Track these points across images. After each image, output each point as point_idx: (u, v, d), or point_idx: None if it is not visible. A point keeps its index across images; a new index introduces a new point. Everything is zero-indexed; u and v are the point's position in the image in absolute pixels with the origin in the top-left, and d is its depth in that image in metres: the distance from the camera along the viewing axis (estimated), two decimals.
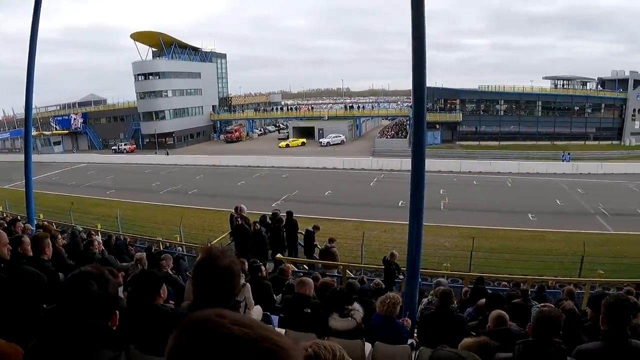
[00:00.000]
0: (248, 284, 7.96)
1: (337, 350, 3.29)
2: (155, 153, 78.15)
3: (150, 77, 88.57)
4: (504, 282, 17.40)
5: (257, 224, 17.62)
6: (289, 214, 20.08)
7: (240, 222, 17.24)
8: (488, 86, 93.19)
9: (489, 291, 11.16)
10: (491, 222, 33.95)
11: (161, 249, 20.01)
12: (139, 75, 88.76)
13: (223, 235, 19.72)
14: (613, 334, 4.14)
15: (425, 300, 9.70)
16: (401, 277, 14.56)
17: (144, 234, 25.86)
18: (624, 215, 37.91)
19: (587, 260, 23.49)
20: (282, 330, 7.13)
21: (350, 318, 7.40)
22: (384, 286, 11.60)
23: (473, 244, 23.75)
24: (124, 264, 11.45)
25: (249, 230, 17.40)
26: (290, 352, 1.24)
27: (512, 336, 4.85)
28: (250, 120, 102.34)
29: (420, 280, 13.67)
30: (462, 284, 16.42)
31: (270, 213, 20.23)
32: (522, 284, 14.66)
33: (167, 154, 76.63)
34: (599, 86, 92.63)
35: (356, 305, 7.72)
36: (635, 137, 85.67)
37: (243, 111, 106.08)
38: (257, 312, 7.74)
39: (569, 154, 71.88)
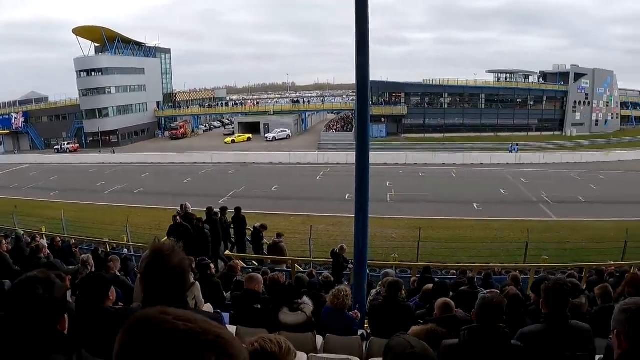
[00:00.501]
0: (197, 283, 7.92)
1: (283, 342, 3.34)
2: (100, 152, 76.40)
3: (93, 73, 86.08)
4: (452, 271, 17.67)
5: (200, 222, 17.37)
6: (237, 210, 20.02)
7: (179, 221, 16.97)
8: (432, 80, 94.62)
9: (436, 280, 11.34)
10: (437, 213, 34.33)
11: (108, 250, 19.70)
12: (81, 71, 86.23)
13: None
14: (553, 316, 4.27)
15: (374, 291, 9.78)
16: (350, 266, 14.64)
17: (91, 236, 25.38)
18: (566, 202, 38.90)
19: (531, 246, 23.99)
20: (233, 328, 7.15)
21: (300, 312, 7.42)
22: (332, 279, 11.65)
23: (420, 235, 23.96)
24: (70, 267, 11.25)
25: (189, 228, 17.13)
26: (232, 343, 1.31)
27: (458, 323, 4.96)
28: (196, 117, 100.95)
29: (368, 271, 13.82)
30: (411, 274, 16.61)
31: (219, 209, 20.13)
32: (468, 272, 14.95)
33: (114, 152, 74.78)
34: (541, 79, 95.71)
35: (305, 299, 7.74)
36: (576, 128, 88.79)
37: (188, 107, 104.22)
38: (206, 310, 7.71)
39: (516, 144, 73.91)
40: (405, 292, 11.17)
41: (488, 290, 5.88)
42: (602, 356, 3.40)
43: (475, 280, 13.13)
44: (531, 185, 46.80)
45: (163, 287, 2.87)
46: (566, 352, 4.02)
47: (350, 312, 7.86)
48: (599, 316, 5.57)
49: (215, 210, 19.27)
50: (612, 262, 19.75)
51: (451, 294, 9.00)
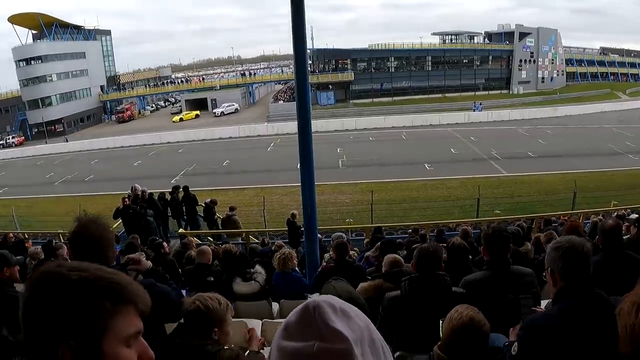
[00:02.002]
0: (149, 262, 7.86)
1: (222, 298, 3.42)
2: (46, 142, 74.03)
3: (33, 62, 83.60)
4: (409, 230, 17.84)
5: (142, 207, 17.22)
6: (185, 188, 19.91)
7: (127, 203, 16.80)
8: (378, 44, 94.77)
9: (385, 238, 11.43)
10: (390, 175, 34.52)
11: (62, 241, 19.42)
12: (20, 61, 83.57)
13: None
14: (495, 262, 4.35)
15: (327, 255, 9.83)
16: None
17: (44, 229, 24.92)
18: (515, 158, 39.65)
19: (483, 202, 24.46)
20: None
21: (253, 281, 7.46)
22: (285, 247, 11.70)
23: (372, 197, 24.12)
24: (19, 257, 11.04)
25: (135, 210, 16.99)
26: (128, 288, 1.36)
27: (404, 276, 5.01)
28: (141, 97, 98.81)
29: (322, 236, 13.88)
30: (364, 237, 16.75)
31: (171, 189, 20.06)
32: (420, 230, 15.14)
33: (67, 141, 72.40)
34: (486, 40, 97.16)
35: (258, 268, 7.78)
36: (522, 86, 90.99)
37: (133, 89, 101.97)
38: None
39: (480, 103, 75.72)
40: (357, 254, 11.30)
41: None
42: (549, 300, 3.46)
43: (428, 237, 13.33)
44: (481, 143, 47.42)
45: (85, 257, 2.95)
46: (509, 295, 4.08)
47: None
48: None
49: (153, 192, 19.29)
50: (561, 213, 20.27)
51: (405, 252, 9.11)
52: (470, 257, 6.73)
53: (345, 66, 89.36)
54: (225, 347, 3.42)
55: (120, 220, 16.91)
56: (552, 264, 3.12)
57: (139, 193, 17.93)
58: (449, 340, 3.09)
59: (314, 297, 1.20)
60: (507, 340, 3.56)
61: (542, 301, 4.52)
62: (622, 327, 2.04)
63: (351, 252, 9.78)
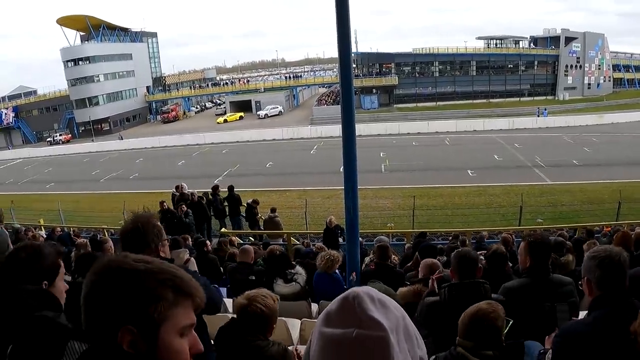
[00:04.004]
0: (192, 259, 8.04)
1: (274, 295, 3.72)
2: (92, 140, 75.23)
3: (80, 62, 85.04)
4: (450, 236, 17.79)
5: (183, 207, 17.52)
6: (230, 188, 20.14)
7: (165, 207, 17.17)
8: (422, 48, 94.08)
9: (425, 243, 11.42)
10: (432, 181, 34.46)
11: (107, 236, 19.77)
12: (68, 61, 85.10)
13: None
14: (535, 270, 4.37)
15: (367, 258, 9.89)
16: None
17: (89, 224, 25.36)
18: (560, 166, 38.97)
19: (526, 210, 24.22)
20: (230, 301, 7.27)
21: (294, 282, 7.54)
22: (327, 249, 11.78)
23: (414, 203, 24.11)
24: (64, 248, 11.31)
25: (175, 213, 17.32)
26: (189, 282, 1.48)
27: (444, 282, 5.06)
28: (186, 99, 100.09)
29: (363, 240, 13.94)
30: (405, 241, 16.76)
31: (210, 189, 20.31)
32: (460, 236, 15.09)
33: (121, 139, 73.40)
34: (532, 44, 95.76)
35: (298, 269, 7.84)
36: (568, 92, 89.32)
37: (178, 90, 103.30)
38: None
39: (545, 109, 74.06)
40: (399, 259, 11.33)
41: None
42: (587, 312, 3.50)
43: (468, 243, 13.30)
44: (525, 150, 46.75)
45: (136, 249, 3.20)
46: (546, 303, 4.12)
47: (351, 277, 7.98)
48: None
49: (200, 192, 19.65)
50: (605, 223, 20.01)
51: (445, 258, 9.13)
52: (511, 264, 6.76)
53: (389, 70, 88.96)
54: (273, 343, 3.71)
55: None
56: (589, 273, 3.16)
57: (187, 193, 18.26)
58: (462, 331, 3.21)
59: (354, 288, 1.31)
60: (542, 347, 3.60)
61: (580, 312, 4.53)
62: None
63: (394, 257, 9.80)
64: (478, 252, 6.21)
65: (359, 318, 1.21)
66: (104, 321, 1.40)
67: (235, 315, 3.92)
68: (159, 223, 3.53)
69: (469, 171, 38.19)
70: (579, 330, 3.09)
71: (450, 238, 16.02)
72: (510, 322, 3.31)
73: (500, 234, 13.80)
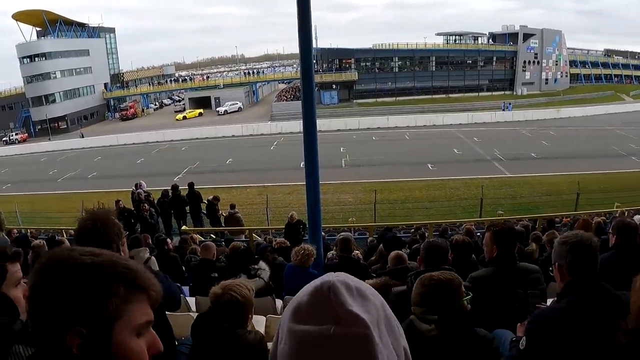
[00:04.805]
0: (153, 258, 7.85)
1: (249, 284, 3.74)
2: (49, 139, 73.76)
3: (37, 58, 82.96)
4: (412, 229, 17.85)
5: (145, 206, 17.40)
6: (190, 185, 19.97)
7: (122, 206, 16.97)
8: (382, 44, 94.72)
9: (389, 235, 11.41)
10: (392, 175, 34.58)
11: (65, 237, 19.41)
12: (24, 58, 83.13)
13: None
14: (502, 259, 4.34)
15: (330, 253, 9.84)
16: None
17: (47, 225, 24.89)
18: (519, 159, 39.68)
19: (486, 202, 24.61)
20: (193, 299, 7.16)
21: (258, 278, 7.43)
22: (289, 244, 11.66)
23: (375, 197, 24.20)
24: (19, 249, 11.03)
25: (133, 212, 17.19)
26: (142, 275, 1.33)
27: (409, 273, 5.01)
28: (145, 95, 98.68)
29: (325, 235, 13.88)
30: (368, 235, 16.75)
31: (170, 187, 20.07)
32: (422, 229, 15.14)
33: (82, 137, 72.08)
34: (490, 40, 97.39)
35: (262, 264, 7.74)
36: (526, 87, 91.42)
37: (136, 86, 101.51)
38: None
39: (510, 103, 76.89)
40: (362, 253, 11.30)
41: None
42: (554, 298, 3.46)
43: (428, 236, 13.33)
44: (484, 143, 47.44)
45: (88, 244, 2.99)
46: (518, 290, 4.09)
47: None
48: (549, 261, 5.73)
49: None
50: (564, 213, 20.33)
51: (408, 250, 9.11)
52: (474, 256, 6.75)
53: (349, 66, 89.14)
54: (250, 331, 3.74)
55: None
56: (560, 259, 3.12)
57: (137, 192, 18.10)
58: (415, 299, 3.27)
59: (326, 277, 1.15)
60: (514, 335, 3.55)
61: (548, 299, 4.52)
62: (632, 304, 2.05)
63: (356, 252, 9.75)
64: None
65: (336, 313, 1.06)
66: (50, 323, 1.25)
67: (210, 305, 3.85)
68: (117, 220, 3.38)
69: (429, 165, 38.61)
70: (552, 316, 3.05)
71: (412, 231, 16.10)
72: (470, 296, 3.25)
73: (463, 226, 13.88)
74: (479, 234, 11.95)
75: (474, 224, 16.38)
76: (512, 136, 52.86)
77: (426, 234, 13.75)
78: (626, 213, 16.10)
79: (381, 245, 8.72)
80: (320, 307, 1.08)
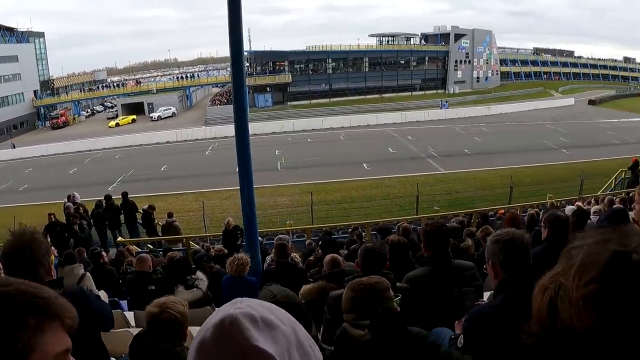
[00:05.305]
0: (88, 274, 7.66)
1: (183, 301, 3.59)
2: None
3: None
4: (350, 229, 17.94)
5: (77, 220, 17.03)
6: (124, 195, 19.63)
7: (53, 220, 16.51)
8: (316, 46, 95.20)
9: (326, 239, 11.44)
10: (328, 176, 34.76)
11: None
12: None
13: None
14: (436, 258, 4.39)
15: (268, 258, 9.79)
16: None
17: None
18: (452, 156, 40.51)
19: (422, 199, 24.98)
20: (131, 313, 7.01)
21: (196, 288, 7.33)
22: (226, 251, 11.55)
23: (312, 199, 24.24)
24: None
25: (64, 225, 16.79)
26: (54, 302, 1.25)
27: (346, 276, 5.00)
28: (76, 102, 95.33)
29: (264, 240, 13.82)
30: (306, 238, 16.77)
31: (103, 197, 19.68)
32: (359, 229, 15.24)
33: (14, 147, 68.51)
34: (423, 41, 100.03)
35: (199, 274, 7.64)
36: (458, 86, 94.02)
37: (68, 93, 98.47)
38: (102, 297, 7.45)
39: (446, 101, 79.08)
40: (301, 256, 11.28)
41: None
42: (491, 292, 3.51)
43: (366, 235, 13.43)
44: (418, 141, 48.22)
45: (18, 269, 3.02)
46: (453, 288, 4.13)
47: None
48: (484, 257, 5.84)
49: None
50: (498, 207, 20.83)
51: (345, 251, 9.13)
52: (411, 253, 6.80)
53: (283, 68, 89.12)
54: (189, 348, 3.52)
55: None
56: (493, 257, 3.16)
57: (70, 208, 17.70)
58: (346, 306, 3.24)
59: (228, 309, 1.10)
60: (453, 333, 3.58)
61: (484, 293, 4.58)
62: (534, 308, 2.07)
63: (293, 255, 9.72)
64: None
65: (241, 349, 1.01)
66: None
67: (147, 324, 3.80)
68: (45, 238, 3.28)
69: (364, 165, 38.90)
70: (488, 313, 3.09)
71: (350, 231, 16.18)
72: (399, 297, 3.26)
73: (398, 224, 14.00)
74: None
75: (411, 221, 16.57)
76: (446, 133, 53.86)
77: (363, 234, 13.84)
78: (558, 204, 16.63)
79: (318, 249, 8.72)
80: (224, 344, 1.04)
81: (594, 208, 11.95)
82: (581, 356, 0.96)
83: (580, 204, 16.30)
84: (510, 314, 2.90)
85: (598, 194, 22.41)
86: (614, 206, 10.44)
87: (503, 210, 18.43)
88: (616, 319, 0.93)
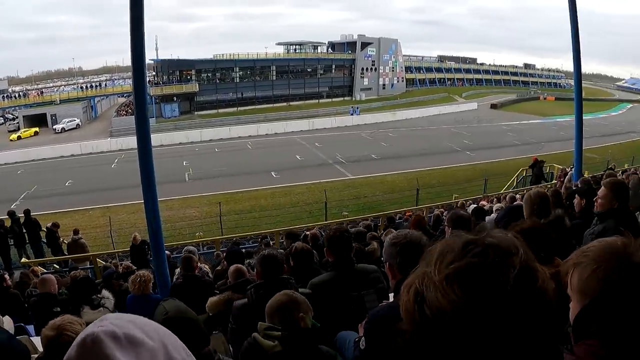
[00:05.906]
0: None
1: (79, 319, 3.47)
2: None
3: None
4: (259, 238, 17.94)
5: None
6: (27, 212, 18.96)
7: None
8: (223, 54, 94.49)
9: (243, 250, 11.41)
10: (237, 186, 34.80)
11: None
12: None
13: None
14: (339, 263, 4.48)
15: (177, 271, 9.69)
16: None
17: None
18: (360, 161, 41.28)
19: (331, 205, 25.36)
20: (38, 339, 6.80)
21: (102, 308, 7.18)
22: (134, 268, 11.34)
23: (220, 209, 24.18)
24: None
25: None
26: None
27: (250, 285, 5.04)
28: None
29: (172, 253, 13.65)
30: (216, 249, 16.68)
31: (6, 214, 18.96)
32: (267, 237, 15.30)
33: None
34: (330, 49, 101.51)
35: (105, 293, 7.49)
36: (364, 93, 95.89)
37: None
38: (7, 323, 7.12)
39: (357, 107, 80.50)
40: (210, 267, 11.22)
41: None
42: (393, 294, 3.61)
43: (276, 242, 13.48)
44: (325, 148, 48.84)
45: None
46: (352, 292, 4.21)
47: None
48: None
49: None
50: (406, 209, 21.33)
51: (253, 261, 9.13)
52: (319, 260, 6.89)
53: (190, 77, 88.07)
54: None
55: None
56: (391, 259, 3.26)
57: None
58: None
59: (92, 327, 1.05)
60: (357, 336, 3.65)
61: (390, 294, 4.68)
62: (401, 310, 2.16)
63: (201, 266, 9.66)
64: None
65: None
66: None
67: (45, 349, 3.64)
68: None
69: (272, 173, 39.14)
70: (385, 314, 3.15)
71: (260, 240, 16.21)
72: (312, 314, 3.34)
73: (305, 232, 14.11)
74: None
75: (321, 227, 16.70)
76: (353, 140, 54.75)
77: (272, 243, 13.88)
78: (465, 203, 17.15)
79: (224, 260, 8.70)
80: None
81: (495, 206, 12.57)
82: (454, 338, 1.04)
83: (484, 202, 16.97)
84: None
85: (501, 192, 23.37)
86: (515, 202, 10.89)
87: (410, 212, 18.91)
88: (478, 291, 1.01)
